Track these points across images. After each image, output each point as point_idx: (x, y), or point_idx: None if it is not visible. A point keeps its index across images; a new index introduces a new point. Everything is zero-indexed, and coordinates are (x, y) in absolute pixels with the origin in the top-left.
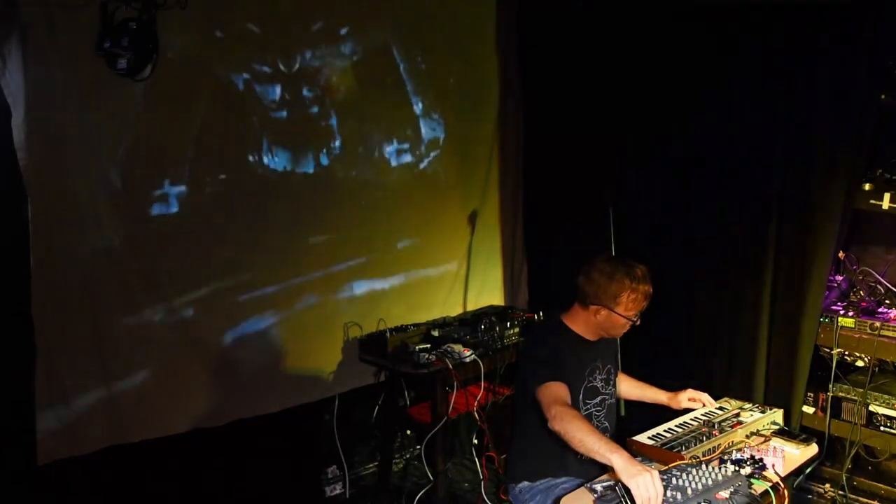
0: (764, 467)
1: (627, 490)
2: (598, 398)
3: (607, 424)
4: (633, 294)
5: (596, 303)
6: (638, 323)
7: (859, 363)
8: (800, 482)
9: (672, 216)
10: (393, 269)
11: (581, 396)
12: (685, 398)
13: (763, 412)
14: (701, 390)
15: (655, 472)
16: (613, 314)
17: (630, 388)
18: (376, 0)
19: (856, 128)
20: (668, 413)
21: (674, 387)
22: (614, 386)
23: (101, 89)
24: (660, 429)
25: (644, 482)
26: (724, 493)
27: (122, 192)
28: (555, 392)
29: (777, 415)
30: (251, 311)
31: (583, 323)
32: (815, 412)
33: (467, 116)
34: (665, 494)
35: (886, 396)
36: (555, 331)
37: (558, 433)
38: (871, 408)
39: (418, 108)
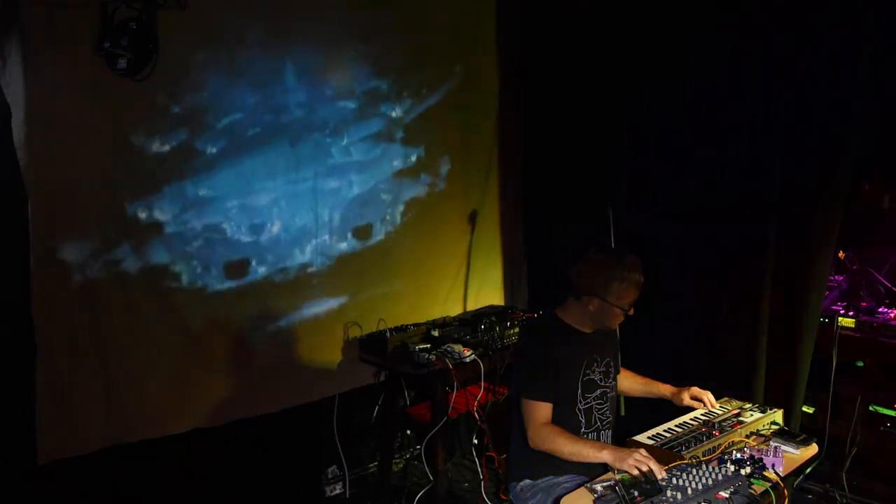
0: (764, 467)
1: (627, 490)
2: (598, 391)
3: (611, 418)
4: (623, 283)
5: (589, 293)
6: (632, 313)
7: (859, 363)
8: (800, 482)
9: (671, 215)
10: (393, 269)
11: (580, 390)
12: (687, 396)
13: (763, 412)
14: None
15: (641, 449)
16: (606, 304)
17: (633, 385)
18: (376, 1)
19: (856, 127)
20: (668, 413)
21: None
22: (614, 380)
23: (101, 89)
24: (660, 429)
25: (635, 461)
26: (724, 493)
27: (123, 193)
28: (537, 413)
29: (777, 415)
30: (251, 311)
31: (577, 315)
32: (815, 412)
33: (467, 117)
34: (665, 494)
35: (886, 396)
36: (548, 326)
37: (544, 452)
38: (871, 408)
39: (418, 107)
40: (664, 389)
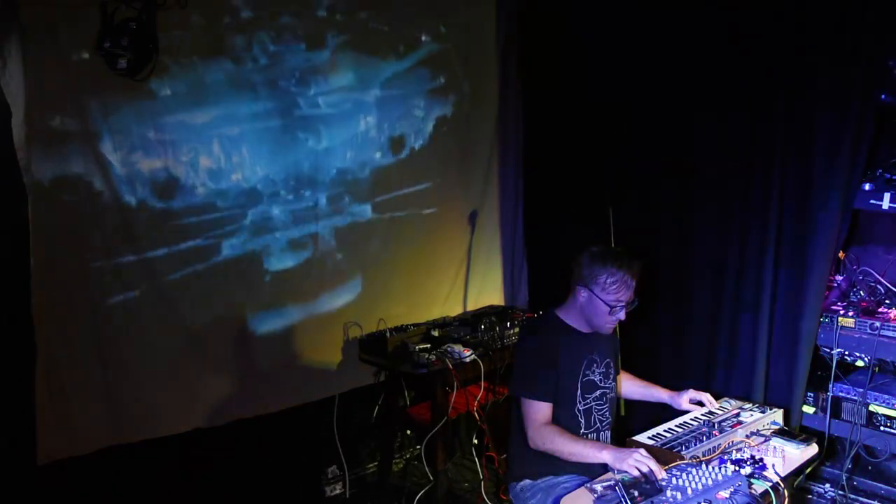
0: (764, 467)
1: (627, 490)
2: (598, 391)
3: (610, 418)
4: (612, 277)
5: (580, 283)
6: (622, 317)
7: (859, 363)
8: (800, 482)
9: (672, 216)
10: (393, 268)
11: (579, 390)
12: (685, 400)
13: (763, 412)
14: (701, 390)
15: (641, 449)
16: (594, 296)
17: (632, 387)
18: (376, 1)
19: (856, 127)
20: (668, 413)
21: (674, 387)
22: (614, 380)
23: (101, 89)
24: (660, 429)
25: (635, 461)
26: (724, 493)
27: (123, 192)
28: (537, 413)
29: (777, 415)
30: (251, 311)
31: (575, 313)
32: (815, 412)
33: (467, 116)
34: (665, 494)
35: (886, 396)
36: (548, 326)
37: (544, 452)
38: (871, 408)
39: (419, 107)
40: (661, 394)
